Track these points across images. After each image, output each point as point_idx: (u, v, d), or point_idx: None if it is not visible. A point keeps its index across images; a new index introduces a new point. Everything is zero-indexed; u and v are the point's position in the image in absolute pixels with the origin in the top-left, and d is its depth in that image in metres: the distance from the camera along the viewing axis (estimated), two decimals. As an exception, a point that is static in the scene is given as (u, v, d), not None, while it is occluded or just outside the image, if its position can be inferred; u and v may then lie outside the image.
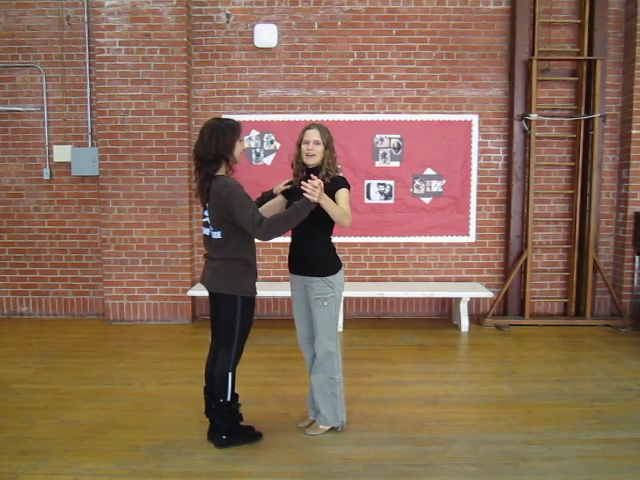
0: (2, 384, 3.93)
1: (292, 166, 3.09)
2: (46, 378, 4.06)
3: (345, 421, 3.15)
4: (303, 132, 2.99)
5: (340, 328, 3.24)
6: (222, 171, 2.84)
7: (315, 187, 2.63)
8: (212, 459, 2.86)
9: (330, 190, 2.88)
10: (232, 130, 2.83)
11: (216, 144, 2.76)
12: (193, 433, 3.14)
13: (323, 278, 2.95)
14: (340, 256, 3.15)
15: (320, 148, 2.92)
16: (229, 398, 2.92)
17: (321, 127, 2.98)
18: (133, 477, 2.70)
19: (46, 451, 2.93)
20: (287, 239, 3.11)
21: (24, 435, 3.13)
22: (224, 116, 5.61)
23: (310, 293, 3.00)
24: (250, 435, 3.05)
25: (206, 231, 2.90)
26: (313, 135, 2.92)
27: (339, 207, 2.82)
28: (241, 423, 3.06)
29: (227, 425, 2.96)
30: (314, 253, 2.99)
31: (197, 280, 5.80)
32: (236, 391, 2.99)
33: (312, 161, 2.94)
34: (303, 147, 2.96)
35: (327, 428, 3.13)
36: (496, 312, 5.69)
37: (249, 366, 4.26)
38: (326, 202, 2.73)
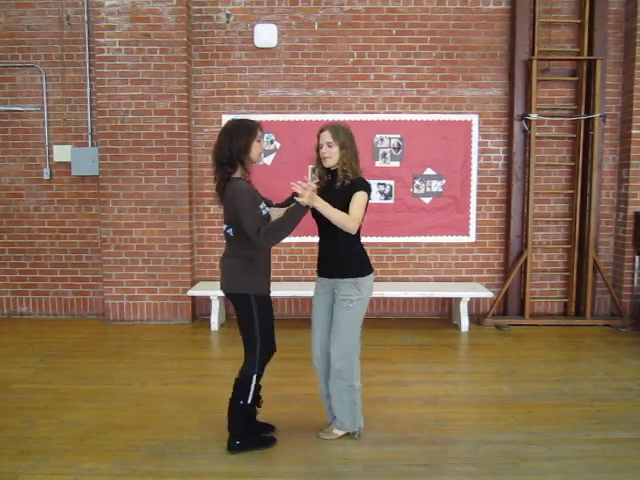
0: (2, 384, 3.93)
1: (313, 171, 3.02)
2: (46, 378, 4.06)
3: (363, 427, 3.06)
4: (317, 136, 2.93)
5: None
6: (238, 173, 2.82)
7: (304, 188, 2.56)
8: (212, 459, 2.86)
9: (348, 192, 2.81)
10: (248, 131, 2.80)
11: (230, 146, 2.75)
12: (193, 433, 3.14)
13: (352, 279, 2.87)
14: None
15: (334, 149, 2.83)
16: (249, 401, 2.85)
17: (334, 128, 2.88)
18: (133, 477, 2.70)
19: (46, 451, 2.94)
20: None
21: (24, 435, 3.13)
22: (224, 116, 5.65)
23: (337, 294, 2.92)
24: (263, 440, 3.00)
25: (224, 227, 2.90)
26: (325, 137, 2.86)
27: (337, 211, 2.71)
28: (260, 420, 3.06)
29: (242, 429, 2.90)
30: (342, 254, 2.91)
31: (197, 280, 5.80)
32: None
33: (328, 164, 2.87)
34: (320, 151, 2.90)
35: (341, 433, 3.05)
36: (496, 312, 5.69)
37: (249, 366, 4.26)
38: (321, 205, 2.65)
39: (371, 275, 2.98)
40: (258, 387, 2.90)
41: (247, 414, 2.89)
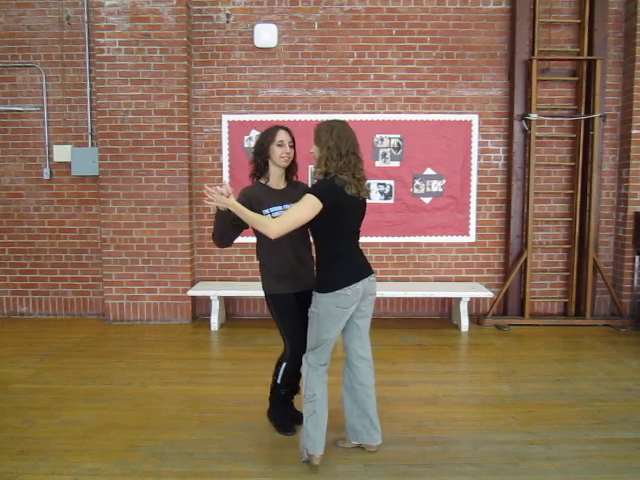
0: (2, 384, 3.93)
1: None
2: (46, 378, 4.06)
3: (315, 455, 2.73)
4: None
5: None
6: (264, 178, 2.99)
7: (211, 193, 2.63)
8: (212, 459, 2.86)
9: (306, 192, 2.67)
10: (264, 137, 2.95)
11: (253, 151, 2.99)
12: (193, 433, 3.14)
13: (313, 291, 2.76)
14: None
15: (315, 151, 2.72)
16: (279, 381, 3.10)
17: (315, 129, 2.75)
18: (133, 477, 2.70)
19: (46, 451, 2.94)
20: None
21: (24, 435, 3.13)
22: (224, 116, 5.66)
23: None
24: (282, 424, 3.17)
25: None
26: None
27: (251, 215, 2.63)
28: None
29: (272, 401, 3.20)
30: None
31: (197, 280, 5.80)
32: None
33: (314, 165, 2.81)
34: None
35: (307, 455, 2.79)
36: (496, 312, 5.70)
37: (249, 366, 4.28)
38: (236, 209, 2.62)
39: (331, 295, 2.66)
40: (289, 375, 3.08)
41: (276, 390, 3.15)
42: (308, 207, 2.57)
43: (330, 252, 2.72)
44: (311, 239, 2.89)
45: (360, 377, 2.87)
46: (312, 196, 2.57)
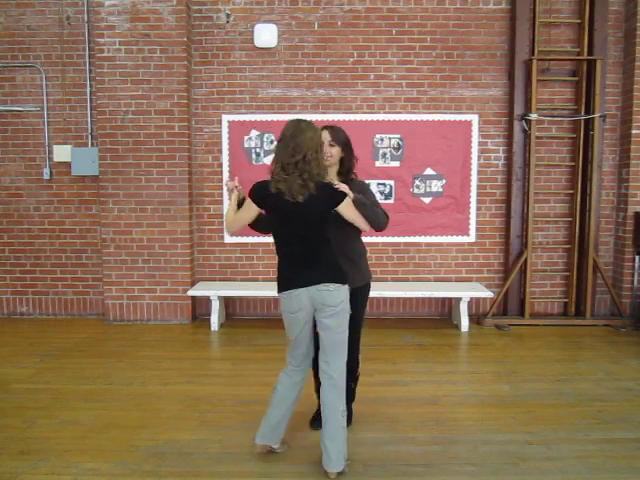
0: (2, 384, 3.93)
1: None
2: (46, 378, 4.05)
3: (257, 443, 2.84)
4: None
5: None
6: None
7: (228, 184, 2.89)
8: (212, 459, 2.86)
9: None
10: None
11: None
12: (193, 433, 3.14)
13: None
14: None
15: None
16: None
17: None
18: (133, 477, 2.70)
19: (46, 451, 2.94)
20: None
21: (24, 435, 3.13)
22: (224, 116, 5.67)
23: None
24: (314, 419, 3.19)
25: None
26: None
27: (229, 209, 2.84)
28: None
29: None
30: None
31: (197, 280, 5.80)
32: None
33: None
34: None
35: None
36: (496, 312, 5.69)
37: (249, 366, 4.28)
38: (230, 201, 2.86)
39: (281, 295, 2.72)
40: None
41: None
42: (245, 207, 2.74)
43: (278, 254, 2.77)
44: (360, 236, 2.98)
45: (322, 393, 2.74)
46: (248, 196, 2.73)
